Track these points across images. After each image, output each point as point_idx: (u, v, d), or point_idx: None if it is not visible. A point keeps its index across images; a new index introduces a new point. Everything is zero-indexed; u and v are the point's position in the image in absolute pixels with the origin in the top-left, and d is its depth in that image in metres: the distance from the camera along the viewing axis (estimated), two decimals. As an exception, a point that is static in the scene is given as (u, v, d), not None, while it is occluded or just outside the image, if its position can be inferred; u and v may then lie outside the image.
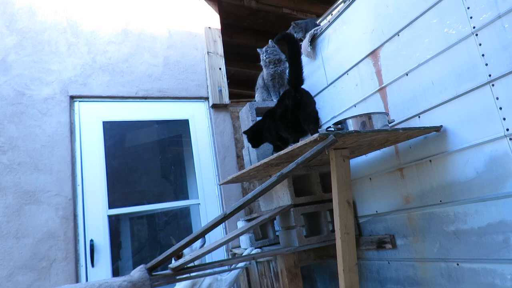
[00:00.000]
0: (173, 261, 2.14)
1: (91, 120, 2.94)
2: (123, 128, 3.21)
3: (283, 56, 2.67)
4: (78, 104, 2.93)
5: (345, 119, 1.76)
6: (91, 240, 2.65)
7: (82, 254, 2.61)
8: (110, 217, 2.78)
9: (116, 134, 3.14)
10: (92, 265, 2.61)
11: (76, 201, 2.70)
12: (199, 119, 3.32)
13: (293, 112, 1.91)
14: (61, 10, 3.05)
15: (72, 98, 2.91)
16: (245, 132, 2.27)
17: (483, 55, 1.45)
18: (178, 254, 2.15)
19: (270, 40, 2.71)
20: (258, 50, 2.76)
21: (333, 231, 2.10)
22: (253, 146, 2.26)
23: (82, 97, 2.95)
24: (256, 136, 2.21)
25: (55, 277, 2.47)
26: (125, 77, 3.11)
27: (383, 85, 1.94)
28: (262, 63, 2.73)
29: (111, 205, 2.80)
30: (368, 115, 1.73)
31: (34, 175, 2.61)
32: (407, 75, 1.80)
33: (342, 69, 2.25)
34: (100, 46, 3.10)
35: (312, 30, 2.49)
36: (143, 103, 3.16)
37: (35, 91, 2.79)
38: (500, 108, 1.39)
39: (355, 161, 2.16)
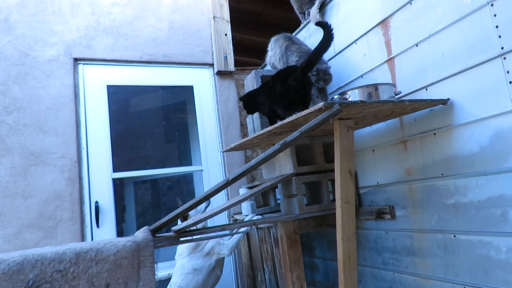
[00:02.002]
0: (179, 222, 2.20)
1: (96, 84, 2.92)
2: (127, 92, 3.20)
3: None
4: (82, 66, 2.90)
5: (351, 89, 1.74)
6: (96, 202, 2.72)
7: (87, 215, 2.68)
8: (114, 180, 2.83)
9: (120, 98, 3.13)
10: (97, 226, 2.69)
11: (81, 164, 2.74)
12: (203, 86, 3.29)
13: (295, 93, 1.88)
14: (64, -32, 2.96)
15: (76, 60, 2.88)
16: (241, 99, 2.26)
17: (497, 26, 1.40)
18: (184, 216, 2.21)
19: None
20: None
21: (333, 200, 2.13)
22: (248, 113, 2.28)
23: (86, 59, 2.92)
24: (251, 104, 2.21)
25: (62, 236, 2.55)
26: (130, 40, 3.06)
27: (391, 56, 1.90)
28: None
29: (115, 169, 2.84)
30: (375, 86, 1.70)
31: (40, 136, 2.64)
32: (417, 46, 1.75)
33: (350, 38, 2.19)
34: (104, 8, 3.03)
35: (322, -4, 2.41)
36: (148, 67, 3.13)
37: (38, 52, 2.76)
38: (510, 82, 1.37)
39: (359, 133, 2.15)
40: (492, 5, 1.42)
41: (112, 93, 2.98)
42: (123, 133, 3.10)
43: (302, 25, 2.69)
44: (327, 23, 1.92)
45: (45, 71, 2.75)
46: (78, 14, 2.94)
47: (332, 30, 1.87)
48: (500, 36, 1.40)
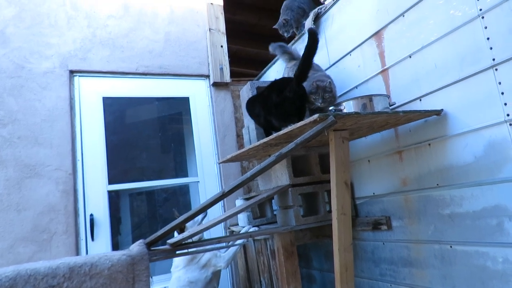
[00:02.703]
0: (175, 234, 2.19)
1: (91, 96, 2.93)
2: (123, 104, 3.20)
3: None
4: (78, 79, 2.91)
5: (346, 100, 1.75)
6: (91, 215, 2.69)
7: (82, 228, 2.66)
8: (110, 193, 2.81)
9: (116, 110, 3.13)
10: (92, 239, 2.66)
11: (76, 176, 2.72)
12: (199, 97, 3.30)
13: (290, 104, 1.89)
14: (60, -19, 2.99)
15: (72, 72, 2.89)
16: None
17: (488, 38, 1.43)
18: (181, 228, 2.19)
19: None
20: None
21: (330, 211, 2.13)
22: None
23: (82, 71, 2.92)
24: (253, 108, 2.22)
25: (56, 250, 2.52)
26: (126, 52, 3.08)
27: (385, 67, 1.92)
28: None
29: (111, 181, 2.83)
30: (369, 97, 1.72)
31: (35, 149, 2.62)
32: (410, 57, 1.78)
33: (345, 49, 2.22)
34: (100, 20, 3.05)
35: (316, 9, 2.45)
36: (144, 79, 3.14)
37: (34, 64, 2.76)
38: (502, 93, 1.39)
39: (354, 143, 2.16)
40: (483, 17, 1.44)
41: (108, 104, 2.99)
42: (119, 145, 3.10)
43: (297, 37, 2.72)
44: (311, 28, 1.96)
45: (41, 83, 2.75)
46: (74, 26, 2.96)
47: (317, 34, 1.88)
48: (491, 48, 1.42)
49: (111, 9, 3.11)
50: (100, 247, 2.66)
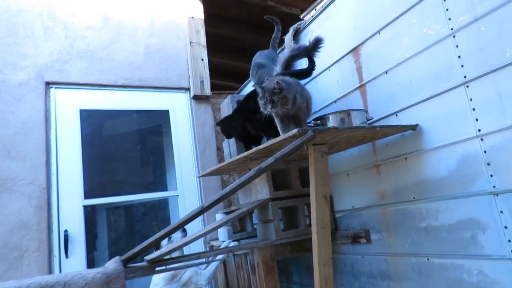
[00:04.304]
0: (154, 251, 2.13)
1: (68, 108, 2.86)
2: (101, 116, 3.15)
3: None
4: (54, 90, 2.85)
5: (325, 115, 1.78)
6: (66, 231, 2.60)
7: (56, 245, 2.56)
8: (85, 207, 2.73)
9: (93, 122, 3.07)
10: (66, 256, 2.57)
11: (50, 190, 2.64)
12: (179, 110, 3.28)
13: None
14: (38, -8, 2.94)
15: (48, 84, 2.83)
16: (218, 124, 2.27)
17: (459, 56, 1.48)
18: (156, 245, 2.14)
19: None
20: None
21: (309, 225, 2.13)
22: (227, 137, 2.28)
23: (58, 83, 2.86)
24: (227, 129, 2.23)
25: (27, 268, 2.42)
26: (104, 64, 3.04)
27: (363, 82, 1.97)
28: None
29: (87, 195, 2.75)
30: (347, 112, 1.75)
31: (7, 162, 2.53)
32: (386, 73, 1.83)
33: (324, 64, 2.26)
34: (78, 32, 3.01)
35: (296, 25, 2.49)
36: (123, 91, 3.10)
37: (8, 75, 2.69)
38: (474, 109, 1.44)
39: (334, 157, 2.19)
40: (454, 36, 1.50)
41: (85, 117, 2.93)
42: (96, 158, 3.03)
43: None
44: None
45: (15, 94, 2.67)
46: (51, 37, 2.90)
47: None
48: (462, 66, 1.47)
49: (90, 21, 3.07)
50: (74, 264, 2.57)
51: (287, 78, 1.79)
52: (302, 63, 2.25)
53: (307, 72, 2.07)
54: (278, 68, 2.05)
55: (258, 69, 2.34)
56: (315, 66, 2.07)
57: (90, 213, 2.87)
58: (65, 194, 2.68)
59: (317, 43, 1.98)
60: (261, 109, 1.73)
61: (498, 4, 1.34)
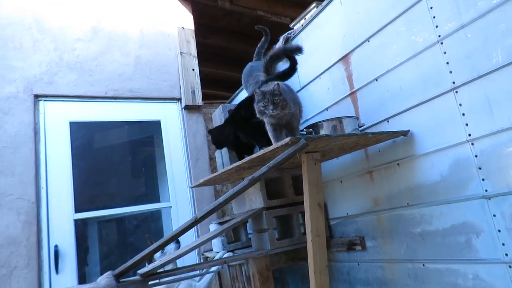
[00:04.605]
0: (147, 264, 2.10)
1: (57, 121, 2.83)
2: (91, 129, 3.12)
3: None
4: (44, 103, 2.82)
5: (317, 122, 1.79)
6: (56, 246, 2.55)
7: (45, 261, 2.50)
8: (76, 221, 2.69)
9: (84, 135, 3.04)
10: (57, 272, 2.51)
11: (40, 205, 2.59)
12: (171, 121, 3.27)
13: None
14: (27, 4, 2.92)
15: (37, 97, 2.80)
16: (209, 132, 2.27)
17: (447, 62, 1.51)
18: (149, 258, 2.10)
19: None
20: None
21: (304, 233, 2.12)
22: (218, 148, 2.27)
23: (47, 96, 2.84)
24: (219, 139, 2.23)
25: (16, 285, 2.36)
26: (94, 76, 3.02)
27: (354, 90, 1.99)
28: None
29: (77, 209, 2.70)
30: (339, 119, 1.76)
31: (-6, 177, 2.48)
32: (376, 80, 1.85)
33: (314, 72, 2.28)
34: (67, 44, 3.00)
35: (286, 34, 2.51)
36: (113, 103, 3.08)
37: (-4, 89, 2.66)
38: (463, 114, 1.46)
39: (327, 164, 2.19)
40: (441, 43, 1.53)
41: (75, 129, 2.89)
42: (86, 170, 2.99)
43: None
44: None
45: (3, 108, 2.64)
46: (40, 50, 2.88)
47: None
48: (451, 72, 1.50)
49: (79, 32, 3.06)
50: (65, 281, 2.51)
51: (281, 84, 1.80)
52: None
53: (290, 70, 2.07)
54: (261, 74, 2.08)
55: (250, 77, 2.37)
56: (296, 62, 2.07)
57: (81, 227, 2.82)
58: (55, 209, 2.63)
59: (296, 49, 2.03)
60: (258, 114, 1.73)
61: (483, 11, 1.37)
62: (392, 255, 1.81)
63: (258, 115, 1.74)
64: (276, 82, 1.71)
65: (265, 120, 1.77)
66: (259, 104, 1.70)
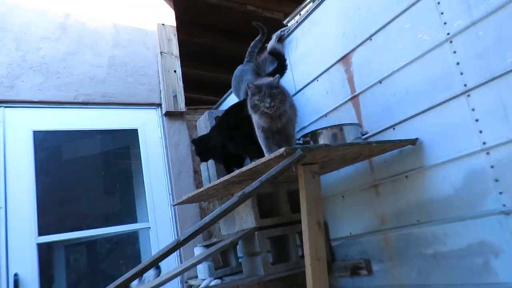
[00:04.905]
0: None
1: (19, 129, 2.82)
2: (59, 139, 3.10)
3: None
4: (3, 110, 2.80)
5: (315, 131, 1.80)
6: (16, 274, 2.52)
7: (4, 292, 2.46)
8: (40, 246, 2.66)
9: (50, 146, 3.02)
10: (17, 305, 2.47)
11: (-3, 228, 2.55)
12: (150, 129, 3.27)
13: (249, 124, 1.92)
14: (-16, -2, 2.93)
15: (-4, 103, 2.78)
16: (193, 142, 2.28)
17: (458, 63, 1.54)
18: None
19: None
20: None
21: (302, 256, 2.12)
22: (203, 160, 2.29)
23: (8, 102, 2.82)
24: (204, 150, 2.24)
25: (-31, 321, 2.30)
26: (62, 79, 3.02)
27: (355, 93, 2.01)
28: None
29: (41, 231, 2.68)
30: (340, 127, 1.77)
31: None
32: (380, 83, 1.87)
33: (311, 74, 2.30)
34: (32, 43, 2.99)
35: (279, 31, 2.54)
36: (84, 109, 3.07)
37: None
38: (477, 120, 1.48)
39: (327, 177, 2.20)
40: (451, 42, 1.56)
41: (40, 140, 2.88)
42: (52, 187, 2.96)
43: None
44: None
45: (-44, 116, 2.61)
46: (0, 49, 2.87)
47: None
48: (462, 73, 1.53)
49: (45, 30, 3.06)
50: (27, 315, 2.47)
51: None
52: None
53: (280, 67, 2.10)
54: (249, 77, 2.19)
55: (241, 82, 2.40)
56: (285, 59, 2.17)
57: (45, 252, 2.79)
58: (14, 231, 2.60)
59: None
60: (250, 110, 1.76)
61: (495, 6, 1.40)
62: (402, 280, 1.82)
63: (250, 111, 1.77)
64: (276, 75, 1.76)
65: (256, 122, 1.80)
66: (253, 98, 1.73)
